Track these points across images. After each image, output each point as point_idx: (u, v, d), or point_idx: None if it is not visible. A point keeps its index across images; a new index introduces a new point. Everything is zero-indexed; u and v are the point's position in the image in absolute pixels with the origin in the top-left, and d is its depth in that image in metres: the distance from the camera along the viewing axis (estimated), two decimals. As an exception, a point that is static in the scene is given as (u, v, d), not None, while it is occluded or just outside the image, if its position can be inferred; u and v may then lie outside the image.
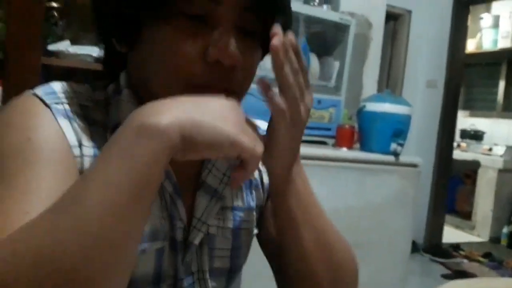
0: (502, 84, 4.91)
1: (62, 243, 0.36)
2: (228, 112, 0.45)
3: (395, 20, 3.59)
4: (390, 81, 3.66)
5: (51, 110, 0.51)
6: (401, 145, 2.04)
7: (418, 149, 3.71)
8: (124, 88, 0.57)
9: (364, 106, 2.12)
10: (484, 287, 0.91)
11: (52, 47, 1.73)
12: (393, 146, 2.04)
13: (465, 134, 4.89)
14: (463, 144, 4.77)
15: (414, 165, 2.14)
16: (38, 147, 0.49)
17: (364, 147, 2.11)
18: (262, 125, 0.57)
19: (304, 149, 1.86)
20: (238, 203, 0.66)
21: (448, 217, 4.63)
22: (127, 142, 0.40)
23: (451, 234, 4.26)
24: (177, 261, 0.58)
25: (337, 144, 2.12)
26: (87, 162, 0.52)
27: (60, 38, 1.76)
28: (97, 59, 1.74)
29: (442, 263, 3.31)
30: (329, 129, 2.21)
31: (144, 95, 0.55)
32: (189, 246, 0.59)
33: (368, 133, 2.11)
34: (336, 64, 2.29)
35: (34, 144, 0.49)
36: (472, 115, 5.13)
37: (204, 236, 0.60)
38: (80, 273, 0.36)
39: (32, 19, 1.62)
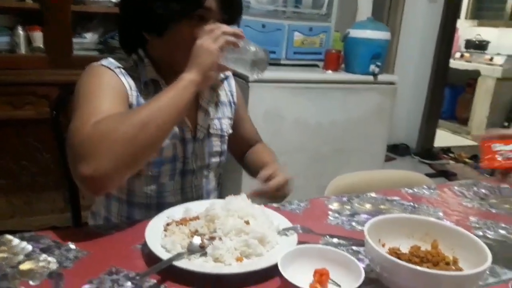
0: (512, -8, 4.86)
1: (136, 127, 0.80)
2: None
3: None
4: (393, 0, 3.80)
5: (114, 72, 0.95)
6: (379, 66, 2.37)
7: (420, 61, 3.96)
8: (144, 58, 1.00)
9: (348, 33, 2.41)
10: (366, 178, 1.30)
11: (78, -5, 2.07)
12: (372, 67, 2.37)
13: (470, 44, 4.98)
14: (467, 55, 4.89)
15: (391, 83, 2.47)
16: (104, 86, 0.91)
17: (347, 69, 2.45)
18: None
19: (296, 73, 2.28)
20: (221, 115, 1.13)
21: (447, 124, 4.98)
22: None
23: (447, 139, 4.63)
24: (186, 149, 1.04)
25: (325, 67, 2.46)
26: (134, 99, 0.96)
27: (85, -13, 2.09)
28: (115, 4, 2.10)
29: (429, 164, 3.70)
30: (320, 53, 2.52)
31: (161, 63, 1.00)
32: (197, 140, 1.06)
33: (351, 57, 2.43)
34: (328, -8, 2.53)
35: (102, 85, 0.91)
36: (480, 25, 5.14)
37: (204, 134, 1.07)
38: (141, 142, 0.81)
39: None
